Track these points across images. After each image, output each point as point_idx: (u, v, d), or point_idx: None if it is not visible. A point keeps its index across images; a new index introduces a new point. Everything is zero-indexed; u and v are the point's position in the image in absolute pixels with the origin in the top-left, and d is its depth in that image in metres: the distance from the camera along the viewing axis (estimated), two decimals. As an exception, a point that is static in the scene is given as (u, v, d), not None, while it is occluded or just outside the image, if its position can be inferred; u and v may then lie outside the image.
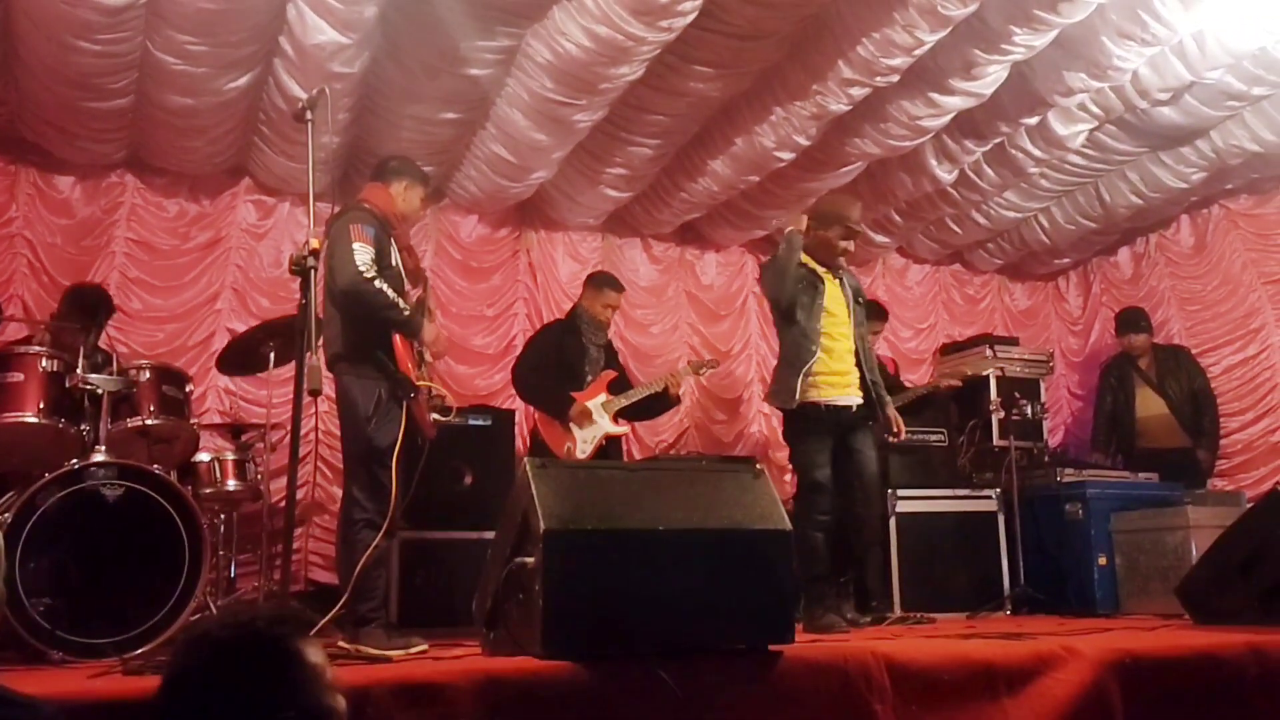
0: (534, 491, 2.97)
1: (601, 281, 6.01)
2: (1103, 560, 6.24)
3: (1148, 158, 6.83)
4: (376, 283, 3.97)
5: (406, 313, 4.06)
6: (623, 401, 5.72)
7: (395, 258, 4.21)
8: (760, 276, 5.52)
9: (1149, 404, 7.23)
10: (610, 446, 5.65)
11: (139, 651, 3.64)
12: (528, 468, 3.07)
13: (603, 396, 5.68)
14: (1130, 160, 6.85)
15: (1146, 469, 6.72)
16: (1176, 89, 5.81)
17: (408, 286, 4.28)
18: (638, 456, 7.14)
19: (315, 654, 1.83)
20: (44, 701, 1.88)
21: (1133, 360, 7.33)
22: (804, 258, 5.01)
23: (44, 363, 4.09)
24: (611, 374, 5.77)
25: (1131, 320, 7.35)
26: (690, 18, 4.84)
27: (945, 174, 6.68)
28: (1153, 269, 8.04)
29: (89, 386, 4.06)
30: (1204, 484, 6.93)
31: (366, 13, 4.78)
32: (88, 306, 5.08)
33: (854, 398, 5.00)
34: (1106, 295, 8.45)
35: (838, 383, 4.96)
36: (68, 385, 4.06)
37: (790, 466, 7.09)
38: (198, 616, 4.14)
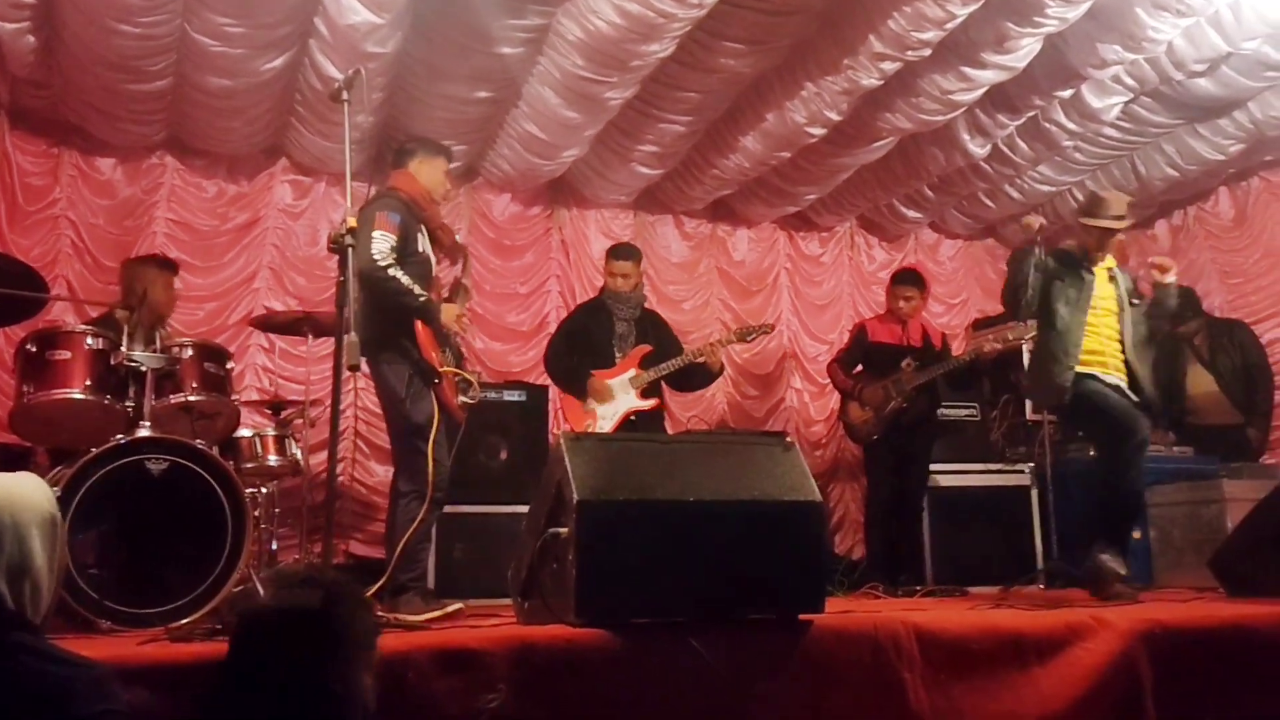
0: (568, 463, 3.02)
1: (611, 253, 5.97)
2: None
3: (1184, 130, 6.75)
4: (390, 270, 4.08)
5: (422, 299, 4.15)
6: (651, 375, 5.63)
7: (423, 244, 4.31)
8: None
9: (1199, 381, 7.06)
10: (642, 422, 5.58)
11: (184, 621, 3.72)
12: (562, 440, 3.12)
13: (631, 372, 5.63)
14: (1166, 132, 6.77)
15: (1197, 446, 6.68)
16: (1213, 60, 5.74)
17: (435, 270, 4.38)
18: (670, 431, 7.19)
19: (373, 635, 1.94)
20: (97, 662, 1.96)
21: (1186, 337, 7.20)
22: None
23: (90, 340, 4.15)
24: (645, 349, 5.70)
25: (1177, 310, 7.16)
26: (721, -7, 4.85)
27: (978, 148, 6.65)
28: (1191, 242, 7.93)
29: (133, 364, 4.13)
30: (1255, 462, 6.76)
31: (399, -7, 4.84)
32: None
33: None
34: (1144, 269, 8.32)
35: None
36: (113, 362, 4.13)
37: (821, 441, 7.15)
38: (240, 588, 4.25)
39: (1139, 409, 4.87)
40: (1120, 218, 5.00)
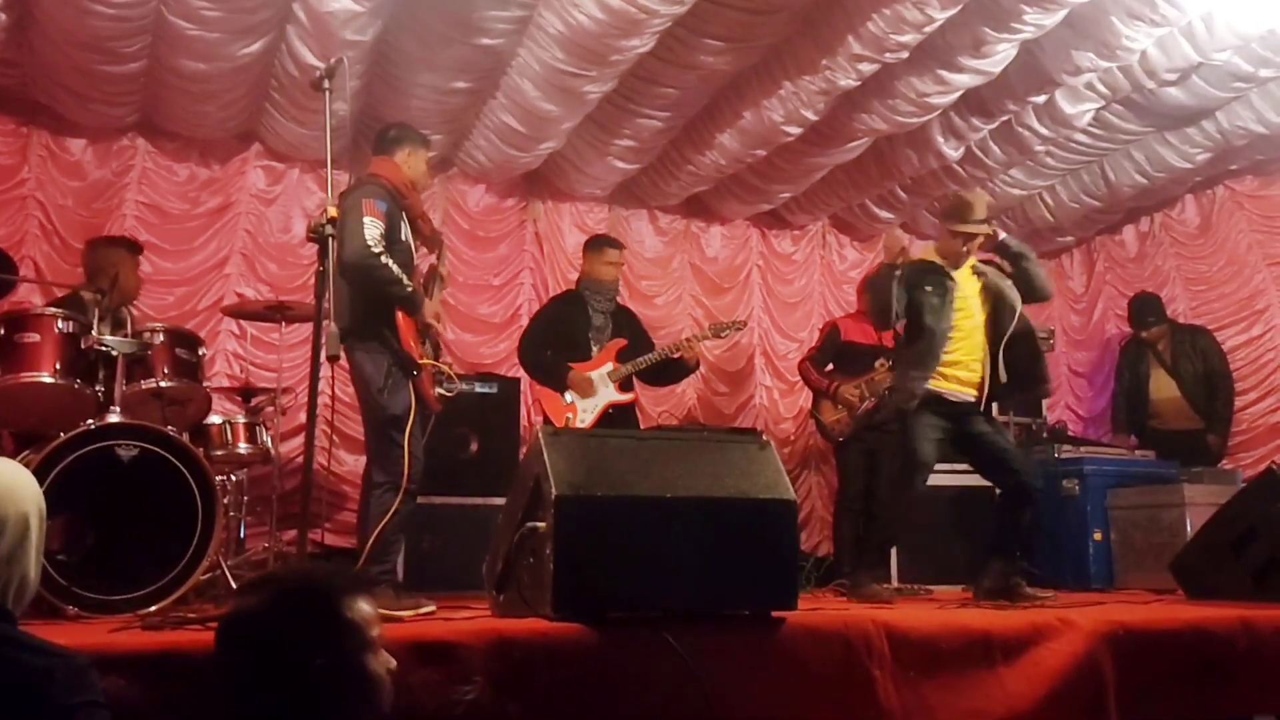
0: (547, 458, 3.03)
1: (600, 243, 6.01)
2: (1098, 535, 6.33)
3: (1153, 138, 6.84)
4: (383, 258, 4.06)
5: (409, 289, 4.14)
6: (628, 369, 5.66)
7: (405, 232, 4.30)
8: None
9: (1162, 386, 7.20)
10: (619, 416, 5.60)
11: (154, 608, 3.70)
12: (541, 435, 3.13)
13: (609, 365, 5.65)
14: (1136, 140, 6.87)
15: (1158, 450, 6.78)
16: (1184, 70, 5.83)
17: (416, 259, 4.37)
18: (641, 425, 7.20)
19: (360, 613, 1.90)
20: (76, 652, 1.95)
21: (1150, 343, 7.30)
22: None
23: (60, 324, 4.11)
24: (620, 342, 5.72)
25: (1141, 315, 7.29)
26: (702, -9, 4.86)
27: (952, 151, 6.70)
28: (1158, 248, 8.05)
29: (104, 348, 4.09)
30: (1215, 467, 6.85)
31: (380, -19, 4.81)
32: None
33: None
34: (1110, 274, 8.46)
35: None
36: (83, 346, 4.09)
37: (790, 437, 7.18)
38: (209, 575, 4.23)
39: (998, 394, 5.08)
40: (984, 221, 5.05)
